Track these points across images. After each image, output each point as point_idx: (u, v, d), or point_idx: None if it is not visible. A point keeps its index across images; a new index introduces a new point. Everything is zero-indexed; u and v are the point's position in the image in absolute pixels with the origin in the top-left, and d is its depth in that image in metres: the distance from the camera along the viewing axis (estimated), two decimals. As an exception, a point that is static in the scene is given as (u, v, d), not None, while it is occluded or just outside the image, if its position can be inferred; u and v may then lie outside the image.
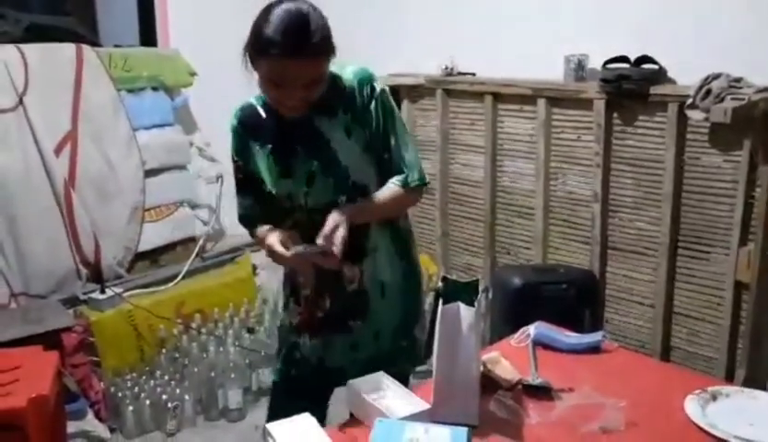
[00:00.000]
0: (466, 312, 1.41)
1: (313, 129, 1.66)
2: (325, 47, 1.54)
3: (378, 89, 1.68)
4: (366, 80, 1.68)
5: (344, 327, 1.76)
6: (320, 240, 1.54)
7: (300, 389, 1.80)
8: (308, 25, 1.50)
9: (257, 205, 1.79)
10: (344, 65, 1.68)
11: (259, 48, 1.52)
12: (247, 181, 1.78)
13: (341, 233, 1.55)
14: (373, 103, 1.68)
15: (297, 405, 1.50)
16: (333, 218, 1.57)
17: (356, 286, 1.73)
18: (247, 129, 1.73)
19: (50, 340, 2.52)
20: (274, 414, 1.67)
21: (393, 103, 1.72)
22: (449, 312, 1.42)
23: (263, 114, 1.72)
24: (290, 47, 1.49)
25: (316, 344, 1.79)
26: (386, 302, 1.76)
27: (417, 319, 1.84)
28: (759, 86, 2.53)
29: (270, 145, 1.70)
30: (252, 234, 1.81)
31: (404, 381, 1.71)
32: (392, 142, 1.70)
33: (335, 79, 1.66)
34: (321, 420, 1.70)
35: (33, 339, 2.51)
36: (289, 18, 1.50)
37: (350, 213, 1.60)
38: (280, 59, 1.50)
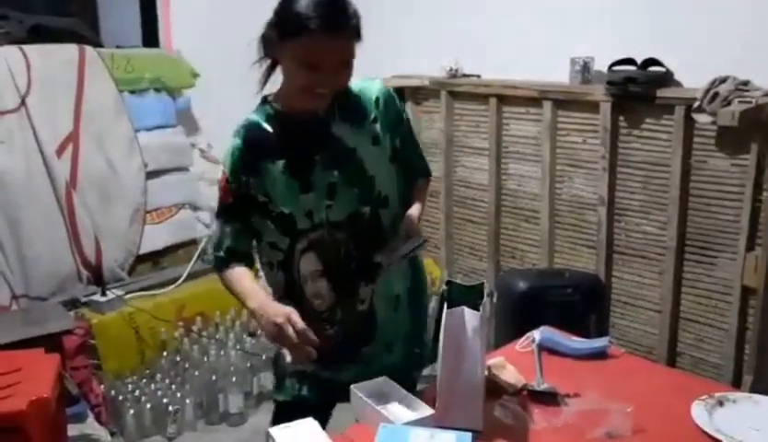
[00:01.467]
0: (471, 316, 1.40)
1: (332, 137, 1.59)
2: (358, 26, 1.52)
3: (401, 103, 1.73)
4: (392, 94, 1.70)
5: (356, 354, 1.68)
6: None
7: (309, 406, 1.61)
8: (342, 1, 1.49)
9: (243, 237, 1.65)
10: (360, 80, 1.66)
11: (293, 26, 1.45)
12: (236, 209, 1.63)
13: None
14: (403, 115, 1.72)
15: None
16: (410, 217, 1.66)
17: (366, 307, 1.65)
18: (253, 148, 1.58)
19: (51, 342, 2.51)
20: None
21: None
22: (454, 316, 1.40)
23: (270, 129, 1.60)
24: (328, 20, 1.44)
25: (328, 375, 1.69)
26: (397, 315, 1.70)
27: (426, 325, 1.81)
28: (766, 89, 2.51)
29: (283, 161, 1.57)
30: (226, 275, 1.65)
31: (413, 388, 1.65)
32: (412, 146, 1.76)
33: (360, 89, 1.64)
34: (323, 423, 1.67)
35: (34, 341, 2.49)
36: None
37: (418, 216, 1.68)
38: (317, 35, 1.43)
